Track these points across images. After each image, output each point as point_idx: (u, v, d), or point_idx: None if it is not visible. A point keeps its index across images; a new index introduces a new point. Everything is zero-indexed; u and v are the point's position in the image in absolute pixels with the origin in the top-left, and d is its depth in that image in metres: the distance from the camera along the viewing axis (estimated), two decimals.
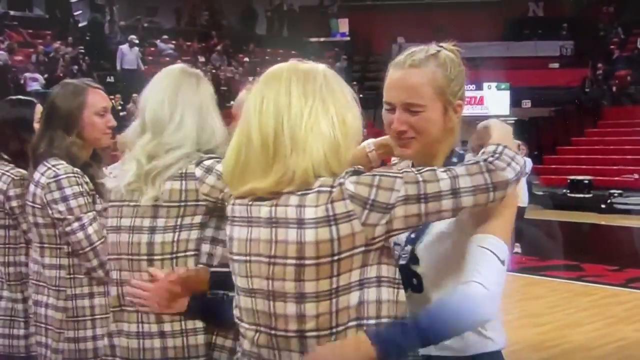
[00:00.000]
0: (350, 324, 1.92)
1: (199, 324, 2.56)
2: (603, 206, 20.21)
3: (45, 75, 21.14)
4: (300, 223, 1.89)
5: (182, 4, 29.69)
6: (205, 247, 2.55)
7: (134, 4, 28.81)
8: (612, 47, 27.94)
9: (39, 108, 3.80)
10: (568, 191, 21.46)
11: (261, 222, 1.96)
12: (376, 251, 1.93)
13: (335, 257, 1.88)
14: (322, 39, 30.58)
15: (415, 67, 2.18)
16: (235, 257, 2.04)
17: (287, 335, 1.95)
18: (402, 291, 2.00)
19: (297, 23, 31.20)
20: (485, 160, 2.02)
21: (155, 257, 2.53)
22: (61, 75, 21.17)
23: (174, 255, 2.52)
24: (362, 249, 1.90)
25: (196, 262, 2.53)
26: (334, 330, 1.92)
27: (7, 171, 3.61)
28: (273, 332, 1.97)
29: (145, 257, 2.54)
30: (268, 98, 1.97)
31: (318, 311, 1.90)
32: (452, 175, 1.96)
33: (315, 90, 1.97)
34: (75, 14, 26.29)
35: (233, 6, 30.85)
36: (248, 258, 1.99)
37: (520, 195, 12.69)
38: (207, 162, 2.53)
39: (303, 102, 1.95)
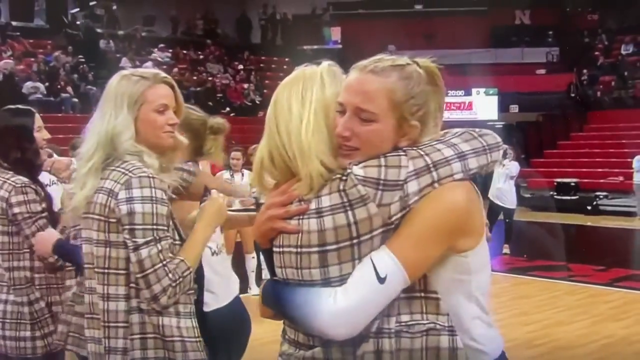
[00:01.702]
0: None
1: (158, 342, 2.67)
2: (589, 208, 20.27)
3: (46, 84, 21.13)
4: (319, 212, 1.94)
5: (178, 14, 29.69)
6: None
7: (131, 13, 28.81)
8: (596, 53, 28.04)
9: (38, 117, 3.80)
10: (555, 193, 21.51)
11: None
12: (392, 230, 1.94)
13: (355, 241, 1.92)
14: (315, 47, 30.58)
15: (375, 74, 1.99)
16: (274, 249, 2.08)
17: None
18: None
19: (290, 31, 31.22)
20: (471, 130, 2.07)
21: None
22: (62, 84, 21.19)
23: None
24: (381, 229, 1.92)
25: None
26: None
27: (7, 179, 3.61)
28: None
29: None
30: (280, 113, 2.07)
31: None
32: (450, 144, 1.98)
33: (312, 95, 2.05)
34: (77, 23, 26.28)
35: (228, 15, 30.86)
36: (281, 250, 2.03)
37: (509, 197, 12.72)
38: None
39: (301, 110, 2.03)
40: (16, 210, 3.56)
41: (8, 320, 3.61)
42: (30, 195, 3.59)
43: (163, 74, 2.88)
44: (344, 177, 1.93)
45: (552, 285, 10.68)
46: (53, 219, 3.68)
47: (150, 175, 2.67)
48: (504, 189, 12.84)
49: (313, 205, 1.96)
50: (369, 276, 1.89)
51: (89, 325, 2.81)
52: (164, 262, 2.59)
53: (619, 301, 9.48)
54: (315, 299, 1.93)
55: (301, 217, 1.98)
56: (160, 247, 2.60)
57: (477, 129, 2.10)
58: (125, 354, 2.67)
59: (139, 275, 2.59)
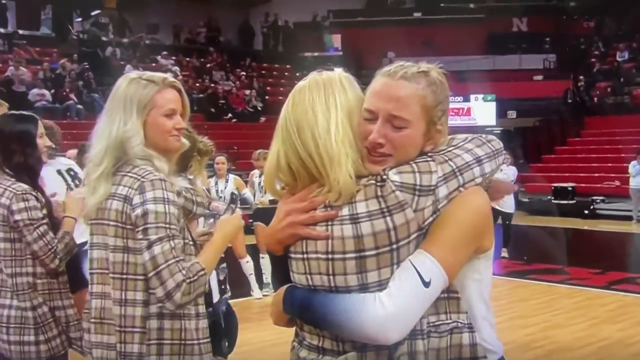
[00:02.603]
0: None
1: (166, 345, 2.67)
2: (586, 212, 20.28)
3: (52, 91, 21.16)
4: (354, 218, 1.92)
5: (181, 22, 29.74)
6: None
7: (136, 22, 28.87)
8: (592, 60, 28.07)
9: (40, 123, 3.80)
10: (552, 198, 21.51)
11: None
12: (423, 234, 1.96)
13: (394, 246, 1.91)
14: (315, 54, 30.62)
15: (407, 80, 1.98)
16: (293, 255, 2.05)
17: None
18: None
19: (291, 39, 31.29)
20: (477, 136, 2.09)
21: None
22: (67, 90, 21.21)
23: None
24: (416, 233, 1.93)
25: None
26: None
27: (9, 186, 3.60)
28: None
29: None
30: (301, 118, 2.02)
31: None
32: (466, 149, 2.01)
33: (335, 100, 2.02)
34: (80, 33, 26.36)
35: (230, 23, 30.92)
36: (305, 256, 2.01)
37: (507, 201, 12.73)
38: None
39: (327, 115, 1.99)
40: (17, 217, 3.55)
41: (12, 325, 3.60)
42: (31, 202, 3.57)
43: (171, 78, 2.87)
44: (380, 183, 1.92)
45: (550, 288, 10.67)
46: (54, 224, 3.66)
47: (162, 179, 2.66)
48: None
49: (345, 212, 1.94)
50: (414, 281, 1.89)
51: (96, 331, 2.79)
52: (177, 259, 2.56)
53: (615, 304, 9.46)
54: (360, 306, 1.89)
55: (330, 223, 1.95)
56: (173, 245, 2.58)
57: (483, 135, 2.12)
58: (141, 359, 2.66)
59: (151, 273, 2.55)
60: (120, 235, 2.67)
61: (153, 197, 2.61)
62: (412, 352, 1.93)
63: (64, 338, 3.67)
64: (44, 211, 3.63)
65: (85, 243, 3.08)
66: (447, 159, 1.97)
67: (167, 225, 2.60)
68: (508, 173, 12.88)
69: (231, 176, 9.80)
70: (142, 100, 2.74)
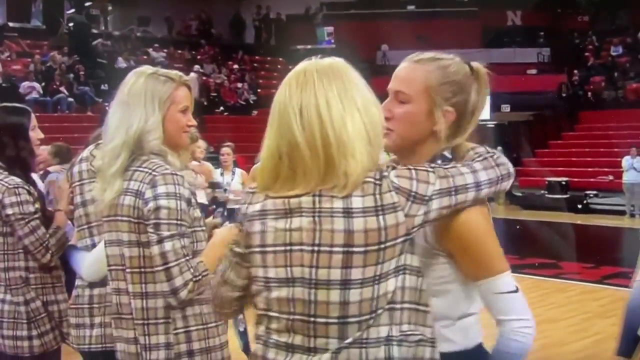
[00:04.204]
0: (386, 306, 1.94)
1: (182, 338, 2.72)
2: (579, 206, 20.32)
3: (43, 84, 21.10)
4: (347, 212, 1.90)
5: (173, 15, 29.67)
6: None
7: (127, 14, 28.79)
8: (587, 54, 28.09)
9: (33, 116, 3.79)
10: (546, 192, 21.55)
11: (303, 212, 1.95)
12: (411, 240, 1.97)
13: (382, 245, 1.90)
14: (308, 47, 30.56)
15: (416, 63, 2.21)
16: (270, 249, 2.00)
17: (327, 322, 1.94)
18: (424, 279, 2.02)
19: (284, 31, 31.19)
20: (491, 156, 2.14)
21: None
22: (58, 83, 21.15)
23: None
24: (403, 238, 1.93)
25: None
26: (373, 314, 1.93)
27: (0, 180, 3.60)
28: (312, 319, 1.95)
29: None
30: (307, 103, 1.95)
31: (362, 297, 1.91)
32: (473, 170, 2.06)
33: (346, 90, 1.97)
34: (71, 24, 26.26)
35: (222, 16, 30.84)
36: (288, 248, 1.96)
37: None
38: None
39: (341, 106, 1.94)
40: (9, 211, 3.55)
41: (5, 320, 3.61)
42: (23, 197, 3.57)
43: (185, 76, 2.92)
44: (378, 181, 1.92)
45: (543, 282, 10.70)
46: (47, 218, 3.66)
47: (174, 172, 2.70)
48: None
49: (339, 205, 1.91)
50: (517, 296, 2.14)
51: (117, 325, 2.85)
52: (187, 257, 2.63)
53: (608, 298, 9.49)
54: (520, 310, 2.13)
55: (319, 214, 1.93)
56: (183, 243, 2.64)
57: (497, 156, 2.15)
58: (169, 348, 2.72)
59: (160, 268, 2.62)
60: (134, 230, 2.70)
61: (165, 192, 2.64)
62: (388, 357, 1.93)
63: (57, 333, 3.69)
64: (37, 205, 3.63)
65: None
66: (449, 174, 2.00)
67: (179, 222, 2.65)
68: None
69: (238, 170, 9.56)
70: (163, 96, 2.77)
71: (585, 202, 20.57)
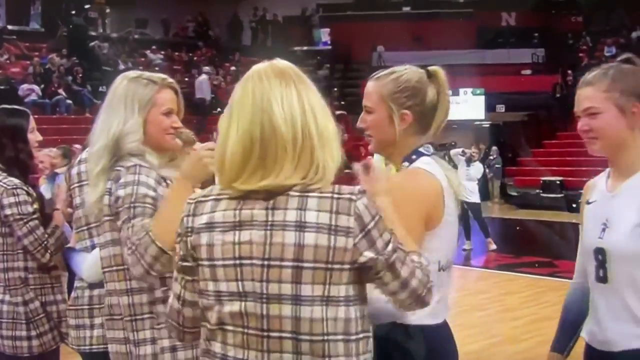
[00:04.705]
0: (339, 337, 1.89)
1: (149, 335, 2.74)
2: (574, 205, 20.27)
3: (42, 86, 21.09)
4: (300, 226, 1.85)
5: (170, 17, 29.67)
6: None
7: (124, 16, 28.79)
8: (581, 54, 28.10)
9: (32, 118, 3.79)
10: (541, 191, 21.57)
11: (254, 225, 1.89)
12: (360, 270, 1.91)
13: (329, 265, 1.86)
14: (305, 48, 30.60)
15: (375, 80, 2.58)
16: (219, 262, 1.93)
17: (281, 337, 1.89)
18: (364, 306, 1.97)
19: (280, 33, 31.20)
20: (423, 283, 2.02)
21: None
22: (56, 85, 21.14)
23: None
24: (349, 266, 1.88)
25: None
26: (325, 338, 1.88)
27: (0, 181, 3.61)
28: (265, 334, 1.90)
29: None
30: (289, 95, 1.93)
31: (312, 315, 1.86)
32: (412, 272, 1.99)
33: (319, 96, 1.99)
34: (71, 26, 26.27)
35: (219, 18, 30.85)
36: (238, 262, 1.90)
37: (476, 192, 12.86)
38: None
39: (321, 106, 1.97)
40: (7, 211, 3.56)
41: (4, 320, 3.61)
42: (21, 197, 3.58)
43: (169, 79, 2.94)
44: (336, 197, 1.88)
45: (538, 281, 10.72)
46: (45, 219, 3.67)
47: (137, 164, 2.72)
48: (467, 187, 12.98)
49: (292, 217, 1.86)
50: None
51: (109, 327, 2.88)
52: (149, 232, 2.54)
53: None
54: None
55: (271, 227, 1.88)
56: (132, 223, 2.61)
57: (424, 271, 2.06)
58: (155, 343, 2.74)
59: (129, 252, 2.58)
60: (115, 228, 2.74)
61: (124, 182, 2.68)
62: None
63: (56, 333, 3.68)
64: (35, 206, 3.63)
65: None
66: (399, 258, 1.95)
67: (133, 205, 2.63)
68: (470, 171, 12.93)
69: None
70: (144, 98, 2.81)
71: (579, 200, 20.54)
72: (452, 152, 13.13)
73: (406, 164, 2.51)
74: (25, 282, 3.62)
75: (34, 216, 3.61)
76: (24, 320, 3.59)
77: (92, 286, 3.20)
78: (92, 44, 24.98)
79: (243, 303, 1.91)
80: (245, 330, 1.92)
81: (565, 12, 30.28)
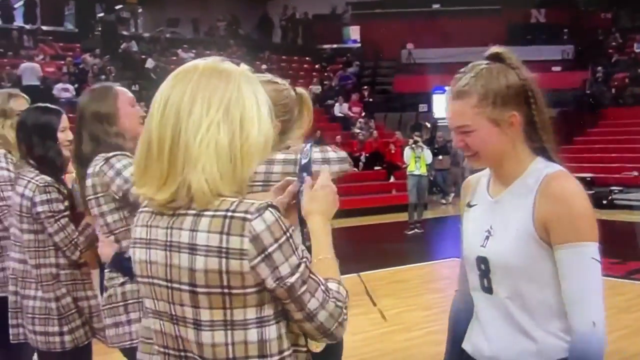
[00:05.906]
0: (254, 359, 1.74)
1: None
2: (604, 202, 20.09)
3: (76, 85, 21.28)
4: (192, 248, 1.69)
5: (201, 16, 29.79)
6: None
7: (156, 16, 28.95)
8: (610, 51, 27.87)
9: (64, 117, 3.80)
10: None
11: (158, 245, 1.76)
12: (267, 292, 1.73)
13: (226, 290, 1.69)
14: (334, 46, 30.58)
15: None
16: (140, 280, 1.86)
17: (203, 357, 1.76)
18: (285, 322, 1.79)
19: (310, 31, 31.21)
20: (335, 317, 1.79)
21: None
22: (90, 85, 21.32)
23: None
24: (254, 289, 1.70)
25: None
26: None
27: (32, 178, 3.63)
28: (183, 354, 1.80)
29: None
30: (172, 100, 1.73)
31: (214, 341, 1.73)
32: (324, 302, 1.77)
33: (224, 98, 1.74)
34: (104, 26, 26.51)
35: (249, 16, 30.93)
36: (151, 281, 1.80)
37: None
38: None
39: (205, 111, 1.71)
40: (39, 209, 3.58)
41: (37, 316, 3.64)
42: (53, 195, 3.60)
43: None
44: (229, 215, 1.69)
45: None
46: (76, 217, 3.68)
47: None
48: None
49: (185, 239, 1.70)
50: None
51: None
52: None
53: (633, 293, 9.42)
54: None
55: (169, 248, 1.73)
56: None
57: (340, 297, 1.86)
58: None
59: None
60: None
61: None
62: None
63: (87, 328, 3.70)
64: (66, 203, 3.65)
65: None
66: (305, 289, 1.74)
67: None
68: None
69: None
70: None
71: (610, 197, 20.36)
72: None
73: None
74: (56, 278, 3.64)
75: (65, 214, 3.63)
76: (57, 316, 3.61)
77: (123, 283, 3.21)
78: (126, 44, 25.18)
79: (161, 322, 1.83)
80: (166, 351, 1.85)
81: (594, 9, 30.01)
